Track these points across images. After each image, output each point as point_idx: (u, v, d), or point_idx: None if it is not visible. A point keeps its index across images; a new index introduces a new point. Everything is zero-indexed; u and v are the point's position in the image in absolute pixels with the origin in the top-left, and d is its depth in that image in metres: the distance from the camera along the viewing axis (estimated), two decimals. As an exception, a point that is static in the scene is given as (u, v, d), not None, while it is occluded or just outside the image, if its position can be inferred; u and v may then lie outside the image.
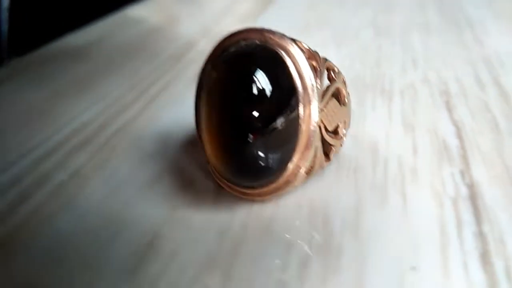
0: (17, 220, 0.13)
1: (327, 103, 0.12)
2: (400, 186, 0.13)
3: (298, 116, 0.11)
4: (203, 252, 0.11)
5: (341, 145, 0.14)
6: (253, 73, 0.11)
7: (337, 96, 0.13)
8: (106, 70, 0.23)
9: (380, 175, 0.14)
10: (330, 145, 0.13)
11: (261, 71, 0.11)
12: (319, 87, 0.12)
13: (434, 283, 0.10)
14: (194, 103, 0.13)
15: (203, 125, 0.12)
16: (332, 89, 0.13)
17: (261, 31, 0.12)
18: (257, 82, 0.11)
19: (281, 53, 0.12)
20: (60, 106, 0.19)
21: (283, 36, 0.12)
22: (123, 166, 0.15)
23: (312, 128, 0.12)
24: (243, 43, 0.12)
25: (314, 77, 0.12)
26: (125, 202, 0.13)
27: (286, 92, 0.11)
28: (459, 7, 0.30)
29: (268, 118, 0.11)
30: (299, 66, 0.12)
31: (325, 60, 0.13)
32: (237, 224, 0.12)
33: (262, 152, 0.11)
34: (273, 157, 0.11)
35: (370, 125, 0.16)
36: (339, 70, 0.13)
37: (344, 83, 0.14)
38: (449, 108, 0.17)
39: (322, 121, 0.12)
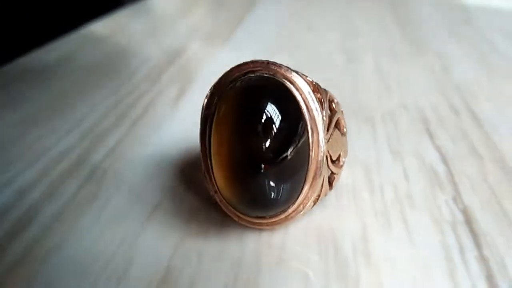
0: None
1: (331, 134, 0.13)
2: (400, 212, 0.14)
3: (307, 146, 0.12)
4: (221, 284, 0.11)
5: (341, 173, 0.14)
6: (263, 105, 0.11)
7: (338, 126, 0.14)
8: (77, 92, 0.23)
9: (379, 201, 0.14)
10: (333, 173, 0.13)
11: (271, 104, 0.11)
12: (324, 118, 0.12)
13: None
14: (200, 134, 0.13)
15: (212, 157, 0.12)
16: (335, 120, 0.13)
17: (267, 63, 0.12)
18: (267, 114, 0.11)
19: (289, 86, 0.12)
20: (33, 133, 0.18)
21: (288, 68, 0.12)
22: (114, 197, 0.14)
23: (320, 158, 0.12)
24: (251, 75, 0.12)
25: (320, 110, 0.12)
26: (123, 238, 0.13)
27: (295, 123, 0.12)
28: (418, 27, 0.32)
29: (278, 149, 0.11)
30: (306, 98, 0.12)
31: (327, 92, 0.13)
32: (249, 253, 0.12)
33: (274, 182, 0.11)
34: (284, 188, 0.12)
35: (359, 152, 0.17)
36: (338, 101, 0.14)
37: (342, 113, 0.14)
38: (430, 135, 0.18)
39: (328, 151, 0.13)
